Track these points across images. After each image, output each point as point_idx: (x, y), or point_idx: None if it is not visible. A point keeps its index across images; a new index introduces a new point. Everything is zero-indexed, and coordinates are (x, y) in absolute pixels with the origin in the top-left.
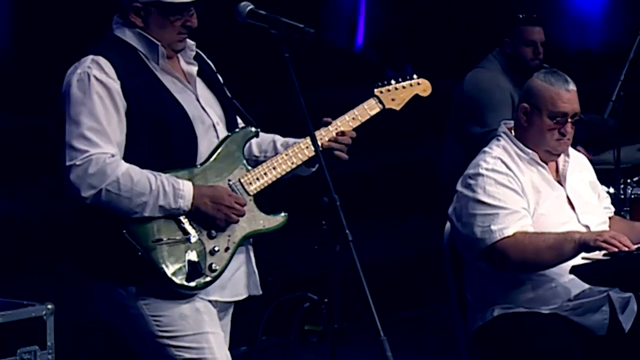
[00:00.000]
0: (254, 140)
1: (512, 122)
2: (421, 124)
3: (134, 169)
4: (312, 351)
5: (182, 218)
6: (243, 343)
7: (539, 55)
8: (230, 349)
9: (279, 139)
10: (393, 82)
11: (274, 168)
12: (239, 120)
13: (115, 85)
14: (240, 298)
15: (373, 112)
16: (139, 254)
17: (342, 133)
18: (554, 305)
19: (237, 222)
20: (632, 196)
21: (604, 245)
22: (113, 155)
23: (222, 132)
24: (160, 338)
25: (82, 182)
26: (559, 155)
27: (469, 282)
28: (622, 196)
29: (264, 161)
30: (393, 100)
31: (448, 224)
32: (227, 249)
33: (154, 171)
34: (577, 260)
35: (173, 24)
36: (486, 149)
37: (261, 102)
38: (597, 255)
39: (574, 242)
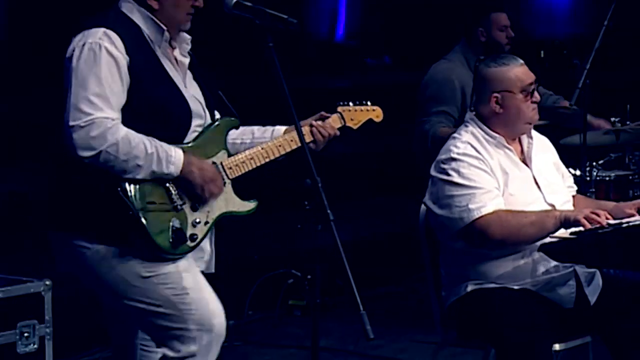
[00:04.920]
0: (233, 130)
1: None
2: (398, 112)
3: (132, 134)
4: (296, 324)
5: (170, 187)
6: (230, 317)
7: (511, 40)
8: None
9: (257, 129)
10: (351, 104)
11: (252, 159)
12: (217, 115)
13: (124, 60)
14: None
15: (336, 127)
16: (130, 213)
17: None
18: (523, 281)
19: (216, 195)
20: (597, 178)
21: (585, 221)
22: (114, 120)
23: (206, 120)
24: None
25: (83, 143)
26: (532, 125)
27: (443, 261)
28: (588, 178)
29: (240, 149)
30: (352, 119)
31: (423, 207)
32: (206, 223)
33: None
34: (545, 239)
35: (185, 4)
36: (455, 134)
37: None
38: (564, 233)
39: (555, 218)
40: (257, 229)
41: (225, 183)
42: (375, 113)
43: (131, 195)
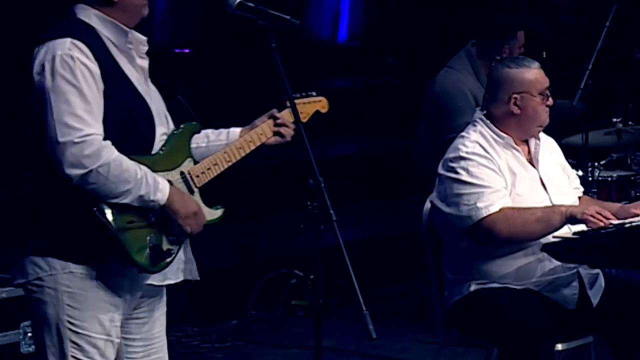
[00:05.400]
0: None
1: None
2: (398, 115)
3: (123, 157)
4: (299, 324)
5: None
6: (233, 317)
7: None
8: (221, 322)
9: (211, 132)
10: (299, 96)
11: (215, 164)
12: (169, 119)
13: (96, 69)
14: (172, 282)
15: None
16: (109, 232)
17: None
18: (526, 281)
19: (195, 233)
20: (599, 178)
21: (591, 219)
22: (104, 137)
23: (169, 127)
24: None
25: (75, 160)
26: (542, 127)
27: (447, 260)
28: (590, 178)
29: (197, 153)
30: (301, 113)
31: (426, 206)
32: (179, 236)
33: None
34: (549, 239)
35: None
36: (464, 133)
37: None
38: (567, 233)
39: (561, 214)
40: (260, 229)
41: (194, 192)
42: (321, 104)
43: (109, 215)
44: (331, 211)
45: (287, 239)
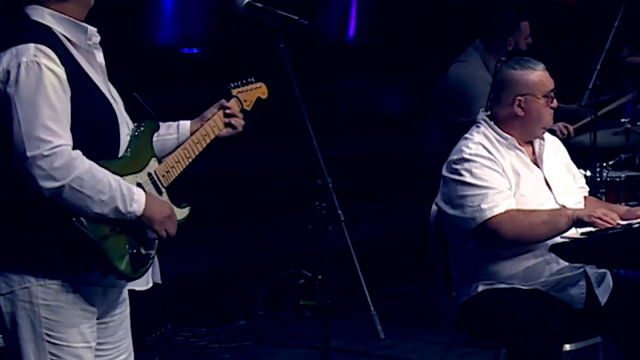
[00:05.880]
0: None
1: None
2: (406, 115)
3: (95, 166)
4: (307, 325)
5: None
6: (241, 317)
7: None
8: (229, 322)
9: (160, 126)
10: (240, 84)
11: (178, 162)
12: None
13: (63, 74)
14: (144, 288)
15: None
16: (89, 242)
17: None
18: (534, 281)
19: (172, 234)
20: (607, 179)
21: (597, 221)
22: (74, 147)
23: (129, 124)
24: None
25: (45, 174)
26: (546, 129)
27: (454, 261)
28: (598, 179)
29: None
30: (245, 101)
31: (433, 208)
32: (155, 239)
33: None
34: (556, 240)
35: None
36: (467, 135)
37: None
38: (575, 234)
39: (567, 217)
40: (268, 229)
41: (162, 193)
42: (261, 90)
43: (89, 224)
44: (339, 211)
45: (295, 239)
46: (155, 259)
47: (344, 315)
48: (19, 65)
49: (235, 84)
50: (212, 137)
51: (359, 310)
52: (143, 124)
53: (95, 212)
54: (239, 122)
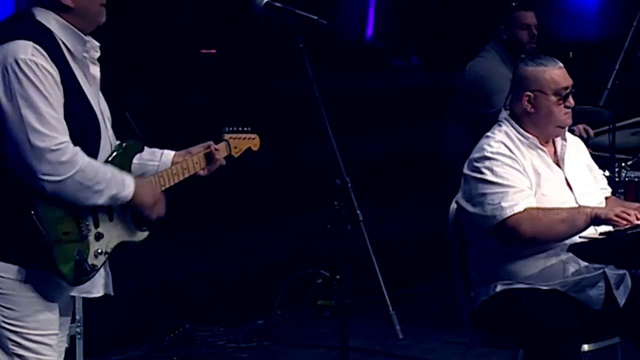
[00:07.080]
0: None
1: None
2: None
3: (91, 160)
4: (325, 325)
5: (79, 215)
6: (259, 317)
7: (534, 38)
8: (247, 322)
9: (146, 151)
10: (235, 130)
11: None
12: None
13: (57, 75)
14: (91, 296)
15: (223, 156)
16: (41, 238)
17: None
18: (552, 281)
19: (161, 216)
20: (626, 179)
21: (616, 219)
22: (73, 143)
23: (113, 138)
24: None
25: (52, 168)
26: (564, 129)
27: (473, 261)
28: (617, 179)
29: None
30: (235, 148)
31: (452, 206)
32: (105, 253)
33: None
34: (575, 240)
35: None
36: (489, 134)
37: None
38: (594, 234)
39: (586, 215)
40: (286, 229)
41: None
42: (254, 142)
43: (46, 221)
44: (358, 211)
45: (314, 239)
46: (109, 272)
47: (362, 315)
48: (17, 62)
49: (230, 128)
50: (191, 172)
51: (378, 310)
52: (127, 142)
53: (93, 203)
54: (214, 167)
